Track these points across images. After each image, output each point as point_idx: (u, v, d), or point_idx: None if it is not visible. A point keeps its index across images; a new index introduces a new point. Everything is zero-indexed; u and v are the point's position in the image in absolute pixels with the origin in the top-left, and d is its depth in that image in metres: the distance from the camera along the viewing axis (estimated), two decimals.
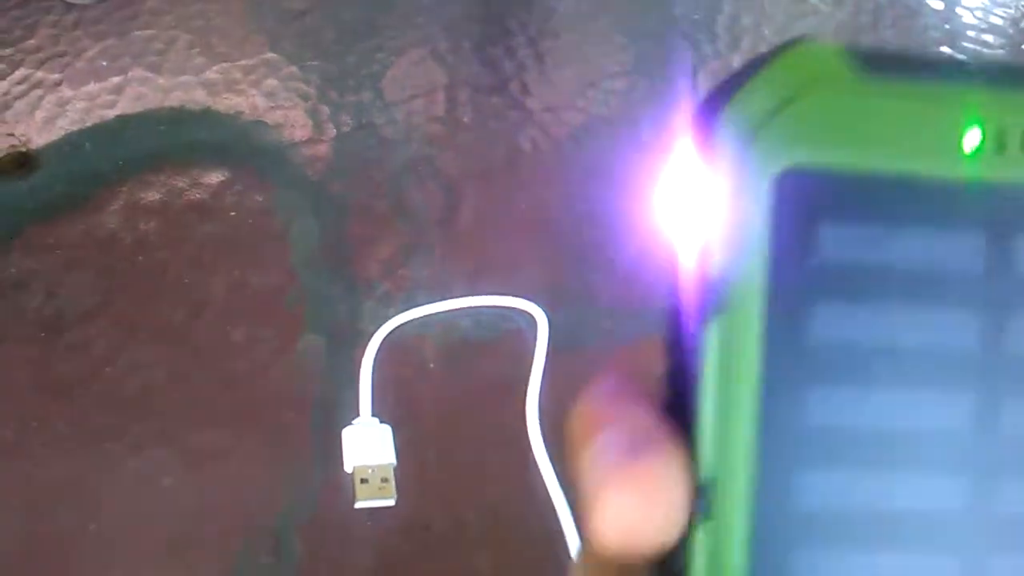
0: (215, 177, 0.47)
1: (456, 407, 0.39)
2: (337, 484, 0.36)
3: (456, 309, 0.41)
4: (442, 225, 0.46)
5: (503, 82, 0.52)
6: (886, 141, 0.13)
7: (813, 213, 0.13)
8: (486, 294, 0.42)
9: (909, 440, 0.13)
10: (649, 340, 0.15)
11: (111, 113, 0.50)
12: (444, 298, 0.42)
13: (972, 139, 0.13)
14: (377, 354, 0.39)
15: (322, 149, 0.49)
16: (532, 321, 0.41)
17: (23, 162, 0.48)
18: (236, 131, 0.49)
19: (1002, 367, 0.13)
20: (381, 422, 0.37)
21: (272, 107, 0.51)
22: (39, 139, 0.48)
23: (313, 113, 0.51)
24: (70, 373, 0.39)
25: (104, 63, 0.52)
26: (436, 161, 0.48)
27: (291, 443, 0.37)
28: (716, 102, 0.13)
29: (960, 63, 0.13)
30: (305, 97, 0.51)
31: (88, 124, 0.49)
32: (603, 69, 0.53)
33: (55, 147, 0.48)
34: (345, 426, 0.37)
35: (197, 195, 0.46)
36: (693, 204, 0.13)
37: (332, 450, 0.37)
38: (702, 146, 0.13)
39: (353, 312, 0.42)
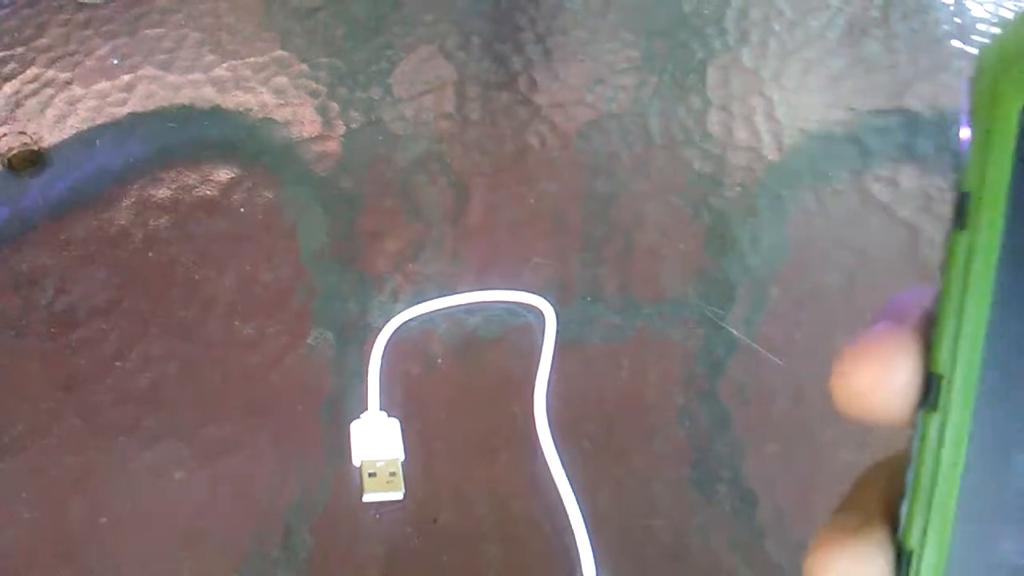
0: (225, 174, 0.48)
1: (464, 401, 0.39)
2: (346, 478, 0.36)
3: (465, 304, 0.41)
4: (451, 220, 0.46)
5: (512, 78, 0.53)
6: None
7: None
8: (495, 289, 0.42)
9: None
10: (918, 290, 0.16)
11: (122, 111, 0.50)
12: (453, 293, 0.42)
13: None
14: (385, 349, 0.40)
15: (331, 146, 0.49)
16: (540, 316, 0.41)
17: (34, 160, 0.48)
18: (245, 128, 0.50)
19: None
20: (389, 416, 0.37)
21: (281, 104, 0.51)
22: (50, 137, 0.49)
23: (322, 110, 0.51)
24: (82, 368, 0.40)
25: (115, 61, 0.53)
26: (445, 157, 0.49)
27: (301, 437, 0.38)
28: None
29: None
30: (314, 94, 0.52)
31: (99, 122, 0.50)
32: (612, 65, 0.53)
33: (66, 145, 0.49)
34: (353, 420, 0.37)
35: (207, 192, 0.47)
36: (968, 126, 0.14)
37: (341, 444, 0.37)
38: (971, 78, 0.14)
39: (362, 307, 0.42)
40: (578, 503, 0.35)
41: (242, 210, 0.46)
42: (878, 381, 0.15)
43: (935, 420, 0.14)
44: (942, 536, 0.14)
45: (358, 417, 0.37)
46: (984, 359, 0.14)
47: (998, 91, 0.14)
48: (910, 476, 0.15)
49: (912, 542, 0.14)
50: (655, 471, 0.37)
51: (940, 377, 0.14)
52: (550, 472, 0.36)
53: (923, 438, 0.14)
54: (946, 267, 0.14)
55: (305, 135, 0.50)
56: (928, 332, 0.15)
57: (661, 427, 0.38)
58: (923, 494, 0.14)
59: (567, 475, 0.35)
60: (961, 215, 0.14)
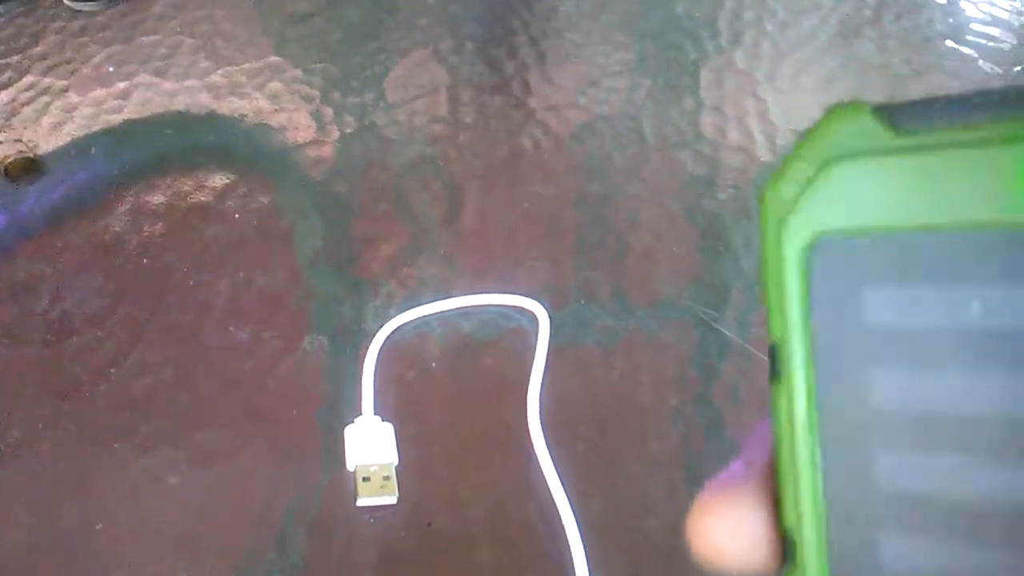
0: (220, 180, 0.48)
1: (458, 405, 0.39)
2: (340, 482, 0.36)
3: (459, 308, 0.42)
4: (445, 224, 0.46)
5: (505, 82, 0.53)
6: (929, 195, 0.12)
7: (851, 277, 0.13)
8: (488, 293, 0.42)
9: (983, 508, 0.12)
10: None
11: (117, 118, 0.51)
12: (447, 297, 0.42)
13: None
14: (380, 353, 0.40)
15: (326, 150, 0.49)
16: (534, 319, 0.41)
17: (31, 167, 0.48)
18: (240, 134, 0.50)
19: None
20: (383, 420, 0.38)
21: (276, 110, 0.51)
22: (46, 145, 0.49)
23: (317, 115, 0.51)
24: (77, 374, 0.40)
25: (110, 69, 0.53)
26: (439, 161, 0.49)
27: (296, 442, 0.38)
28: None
29: (1005, 92, 0.12)
30: (309, 99, 0.52)
31: (94, 129, 0.50)
32: (605, 67, 0.53)
33: (62, 152, 0.49)
34: (347, 424, 0.38)
35: (202, 198, 0.47)
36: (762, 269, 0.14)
37: (336, 448, 0.37)
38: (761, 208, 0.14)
39: (357, 311, 0.42)
40: (572, 505, 0.35)
41: (237, 216, 0.46)
42: (731, 538, 0.14)
43: None
44: None
45: (352, 421, 0.37)
46: (827, 516, 0.13)
47: (779, 237, 0.13)
48: None
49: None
50: (648, 473, 0.37)
51: (791, 535, 0.14)
52: (544, 475, 0.36)
53: None
54: (773, 421, 0.14)
55: (300, 140, 0.50)
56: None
57: (655, 429, 0.38)
58: None
59: (560, 478, 0.36)
60: (774, 366, 0.14)
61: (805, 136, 0.13)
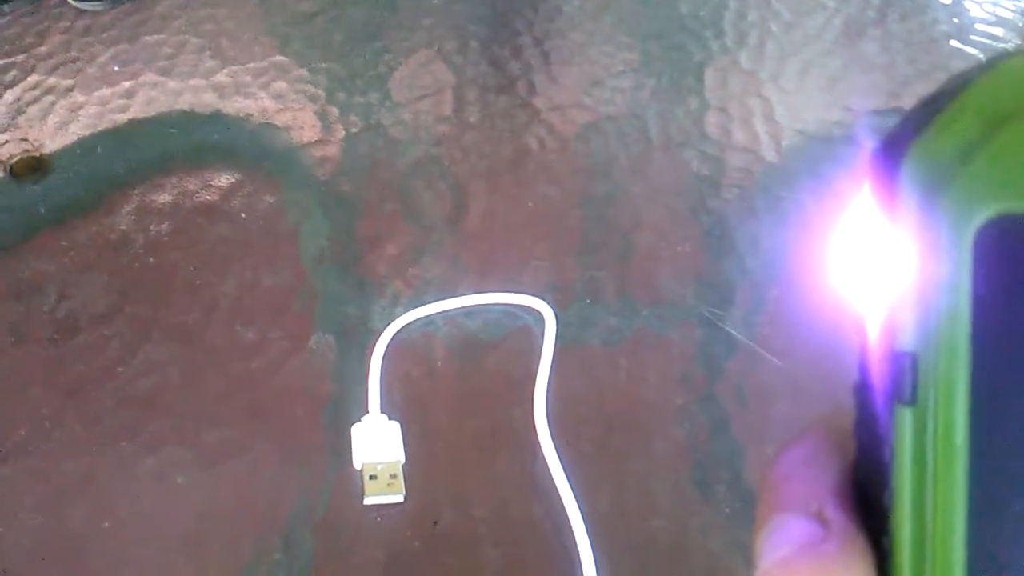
0: (225, 179, 0.48)
1: (464, 404, 0.39)
2: (347, 481, 0.36)
3: (464, 307, 0.42)
4: (450, 224, 0.46)
5: (510, 82, 0.53)
6: None
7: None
8: (494, 292, 0.42)
9: None
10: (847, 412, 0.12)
11: (123, 117, 0.51)
12: (452, 296, 0.42)
13: None
14: (386, 352, 0.40)
15: (331, 150, 0.49)
16: (540, 318, 0.41)
17: (36, 166, 0.48)
18: (246, 133, 0.50)
19: None
20: (390, 419, 0.38)
21: (281, 109, 0.51)
22: (52, 144, 0.49)
23: (322, 115, 0.51)
24: (84, 373, 0.40)
25: (115, 68, 0.53)
26: (444, 160, 0.49)
27: (303, 441, 0.38)
28: (902, 139, 0.10)
29: None
30: (314, 99, 0.52)
31: (100, 128, 0.50)
32: (609, 68, 0.53)
33: (67, 151, 0.49)
34: (354, 423, 0.38)
35: (208, 197, 0.47)
36: (877, 267, 0.10)
37: (342, 447, 0.37)
38: (884, 196, 0.10)
39: (363, 311, 0.42)
40: (578, 504, 0.35)
41: (243, 215, 0.46)
42: None
43: None
44: None
45: (359, 420, 0.38)
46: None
47: (932, 214, 0.10)
48: None
49: None
50: (654, 472, 0.37)
51: None
52: (550, 474, 0.36)
53: None
54: (895, 458, 0.11)
55: (305, 140, 0.50)
56: (861, 541, 0.11)
57: (660, 428, 0.38)
58: None
59: (567, 476, 0.36)
60: (900, 383, 0.10)
61: (966, 83, 0.10)
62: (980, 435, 0.10)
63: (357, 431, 0.37)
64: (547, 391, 0.38)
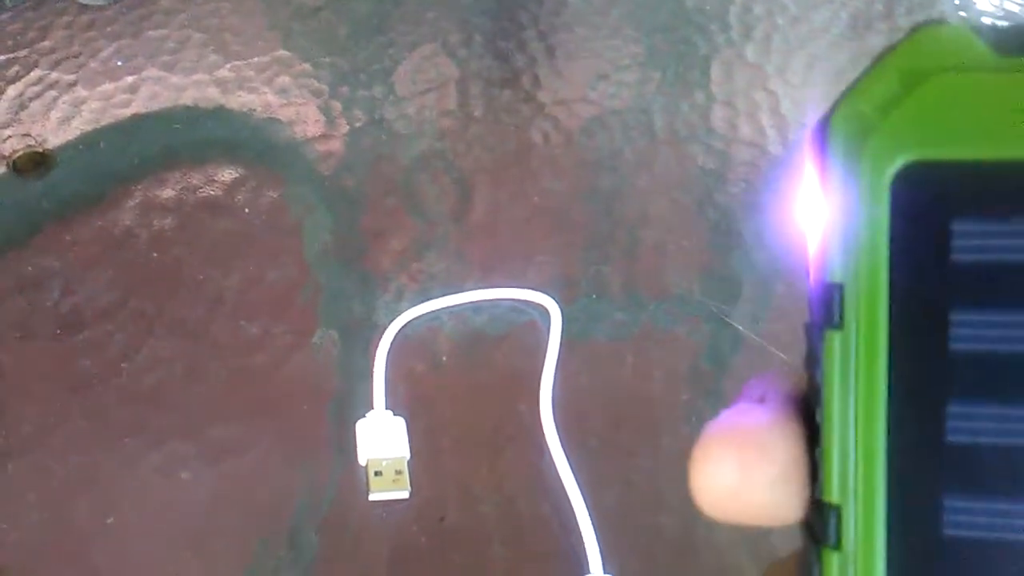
0: (229, 174, 0.47)
1: (470, 399, 0.39)
2: (352, 477, 0.36)
3: (470, 302, 0.41)
4: (455, 219, 0.46)
5: (515, 75, 0.52)
6: None
7: (942, 211, 0.11)
8: (499, 287, 0.42)
9: None
10: (781, 373, 0.14)
11: (126, 112, 0.50)
12: (457, 291, 0.42)
13: None
14: (391, 347, 0.39)
15: (334, 145, 0.49)
16: (545, 313, 0.41)
17: (39, 162, 0.48)
18: (249, 128, 0.50)
19: None
20: (395, 415, 0.37)
21: (284, 104, 0.51)
22: (55, 139, 0.49)
23: (325, 109, 0.51)
24: (88, 369, 0.40)
25: (118, 63, 0.53)
26: (448, 155, 0.48)
27: (307, 437, 0.38)
28: (836, 100, 0.12)
29: None
30: (317, 93, 0.52)
31: (103, 123, 0.50)
32: (615, 61, 0.53)
33: (71, 147, 0.49)
34: (359, 419, 0.37)
35: (211, 192, 0.47)
36: (814, 213, 0.12)
37: (347, 443, 0.37)
38: (817, 150, 0.12)
39: (367, 306, 0.42)
40: (585, 501, 0.35)
41: (246, 210, 0.46)
42: (741, 486, 0.12)
43: (835, 559, 0.12)
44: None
45: (364, 416, 0.37)
46: (887, 489, 0.12)
47: (856, 162, 0.11)
48: None
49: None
50: (662, 468, 0.37)
51: (830, 511, 0.12)
52: (557, 470, 0.36)
53: None
54: (824, 373, 0.12)
55: (309, 134, 0.49)
56: (794, 416, 0.12)
57: (667, 424, 0.38)
58: None
59: (574, 472, 0.35)
60: (829, 310, 0.12)
61: (891, 48, 0.11)
62: (900, 355, 0.11)
63: (362, 427, 0.37)
64: (553, 387, 0.38)
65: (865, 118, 0.11)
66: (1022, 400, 0.11)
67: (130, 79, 0.52)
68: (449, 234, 0.45)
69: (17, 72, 0.52)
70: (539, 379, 0.38)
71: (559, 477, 0.35)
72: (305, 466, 0.37)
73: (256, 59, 0.53)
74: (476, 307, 0.42)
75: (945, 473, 0.11)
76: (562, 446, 0.36)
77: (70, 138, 0.49)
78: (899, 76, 0.11)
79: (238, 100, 0.51)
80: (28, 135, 0.49)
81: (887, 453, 0.12)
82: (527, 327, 0.41)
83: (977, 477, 0.11)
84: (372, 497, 0.35)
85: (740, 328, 0.41)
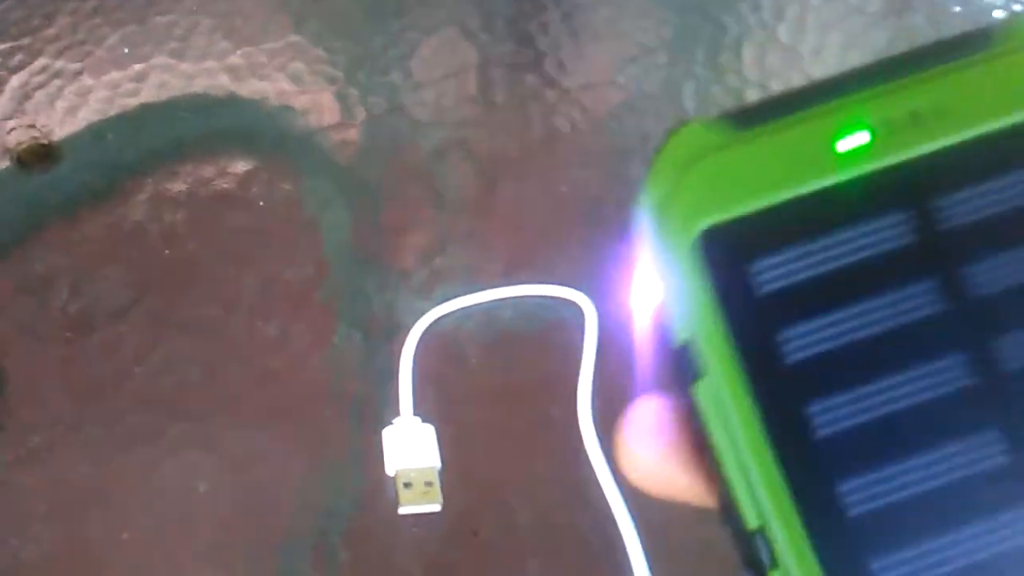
0: (242, 166, 0.45)
1: (502, 404, 0.36)
2: (380, 488, 0.34)
3: (498, 299, 0.39)
4: (478, 210, 0.43)
5: (538, 59, 0.50)
6: (777, 173, 0.14)
7: (742, 256, 0.14)
8: (528, 283, 0.39)
9: (921, 415, 0.13)
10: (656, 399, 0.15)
11: (134, 102, 0.48)
12: (483, 288, 0.39)
13: (858, 138, 0.14)
14: (416, 348, 0.37)
15: (351, 134, 0.46)
16: (578, 310, 0.38)
17: (45, 154, 0.46)
18: (262, 117, 0.47)
19: (972, 315, 0.13)
20: (423, 421, 0.35)
21: (299, 91, 0.48)
22: (60, 130, 0.46)
23: (341, 96, 0.48)
24: (100, 373, 0.37)
25: (125, 50, 0.50)
26: (470, 143, 0.46)
27: (330, 443, 0.35)
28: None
29: (835, 78, 0.15)
30: (332, 80, 0.49)
31: (111, 114, 0.47)
32: (643, 43, 0.50)
33: (77, 138, 0.46)
34: (385, 426, 0.35)
35: (224, 185, 0.44)
36: (647, 289, 0.14)
37: (372, 450, 0.35)
38: (638, 233, 0.15)
39: (389, 304, 0.40)
40: (628, 512, 0.32)
41: (261, 203, 0.43)
42: (666, 457, 0.14)
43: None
44: None
45: (390, 423, 0.35)
46: (795, 503, 0.13)
47: (667, 240, 0.14)
48: None
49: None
50: None
51: (757, 532, 0.13)
52: (597, 479, 0.33)
53: None
54: (704, 424, 0.14)
55: (324, 123, 0.47)
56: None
57: None
58: None
59: (616, 482, 0.33)
60: (689, 367, 0.14)
61: (659, 150, 0.15)
62: (756, 379, 0.13)
63: (389, 435, 0.34)
64: (593, 390, 0.36)
65: (659, 206, 0.14)
66: (865, 379, 0.13)
67: (137, 67, 0.49)
68: (473, 227, 0.42)
69: (21, 61, 0.49)
70: (574, 380, 0.36)
71: (600, 487, 0.33)
72: (328, 477, 0.34)
73: (268, 45, 0.50)
74: (505, 304, 0.39)
75: (830, 462, 0.13)
76: (602, 453, 0.33)
77: (76, 129, 0.46)
78: (673, 168, 0.14)
79: (250, 88, 0.48)
80: (33, 126, 0.47)
81: (779, 465, 0.13)
82: (559, 325, 0.38)
83: (856, 455, 0.13)
84: (402, 511, 0.33)
85: None
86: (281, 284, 0.40)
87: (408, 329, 0.38)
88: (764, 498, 0.13)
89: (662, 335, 0.14)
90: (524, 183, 0.44)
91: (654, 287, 0.14)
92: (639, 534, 0.32)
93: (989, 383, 0.13)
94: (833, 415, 0.13)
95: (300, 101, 0.48)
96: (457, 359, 0.38)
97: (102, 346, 0.38)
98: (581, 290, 0.39)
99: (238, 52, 0.50)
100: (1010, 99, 0.14)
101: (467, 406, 0.36)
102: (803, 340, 0.13)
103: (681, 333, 0.14)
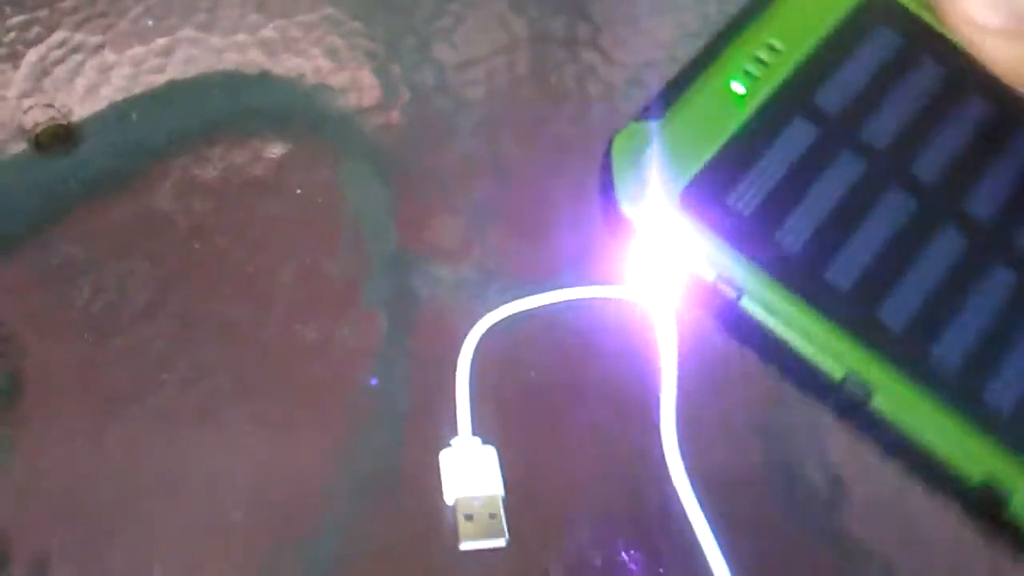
0: (277, 149, 0.41)
1: (569, 424, 0.32)
2: (437, 519, 0.30)
3: (563, 301, 0.35)
4: (535, 200, 0.39)
5: (594, 33, 0.45)
6: (710, 127, 0.20)
7: (719, 191, 0.19)
8: (594, 283, 0.35)
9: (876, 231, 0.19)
10: None
11: (159, 79, 0.44)
12: (543, 288, 0.35)
13: (743, 80, 0.20)
14: (473, 359, 0.33)
15: (394, 116, 0.42)
16: (652, 317, 0.34)
17: (64, 136, 0.42)
18: (298, 97, 0.43)
19: (885, 159, 0.19)
20: (484, 443, 0.31)
21: (336, 68, 0.44)
22: (81, 110, 0.42)
23: (382, 74, 0.44)
24: (124, 383, 0.34)
25: (150, 23, 0.46)
26: (523, 126, 0.41)
27: (380, 467, 0.31)
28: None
29: (716, 36, 0.21)
30: (372, 56, 0.45)
31: (134, 92, 0.43)
32: (707, 16, 0.45)
33: (98, 118, 0.42)
34: (442, 447, 0.31)
35: (258, 171, 0.40)
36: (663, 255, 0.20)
37: (430, 476, 0.31)
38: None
39: (440, 306, 0.36)
40: (721, 551, 0.28)
41: (298, 191, 0.39)
42: None
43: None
44: None
45: (447, 444, 0.31)
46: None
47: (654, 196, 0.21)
48: None
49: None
50: (805, 505, 0.30)
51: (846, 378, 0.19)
52: (685, 513, 0.29)
53: None
54: (765, 325, 0.20)
55: (364, 104, 0.43)
56: None
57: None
58: None
59: (706, 517, 0.29)
60: (734, 287, 0.21)
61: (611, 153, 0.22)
62: (783, 274, 0.19)
63: (446, 458, 0.30)
64: (676, 408, 0.31)
65: (635, 191, 0.21)
66: (846, 234, 0.19)
67: (163, 41, 0.45)
68: (529, 219, 0.38)
69: (38, 34, 0.45)
70: (652, 397, 0.32)
71: (687, 518, 0.29)
72: (379, 506, 0.30)
73: (302, 17, 0.46)
74: (568, 307, 0.35)
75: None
76: (691, 484, 0.29)
77: (98, 108, 0.42)
78: (632, 159, 0.20)
79: (284, 64, 0.44)
80: (51, 106, 0.43)
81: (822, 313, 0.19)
82: (633, 331, 0.34)
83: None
84: (463, 546, 0.29)
85: None
86: (321, 281, 0.36)
87: (462, 334, 0.34)
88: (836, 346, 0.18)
89: (696, 281, 0.19)
90: (587, 170, 0.40)
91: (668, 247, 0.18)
92: (731, 571, 0.28)
93: (909, 195, 0.19)
94: (845, 267, 0.18)
95: (338, 79, 0.44)
96: (516, 371, 0.33)
97: (125, 351, 0.35)
98: (651, 292, 0.35)
99: (270, 25, 0.46)
100: (830, 4, 0.20)
101: (530, 425, 0.32)
102: (794, 231, 0.18)
103: (711, 269, 0.19)
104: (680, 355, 0.33)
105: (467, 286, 0.36)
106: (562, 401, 0.32)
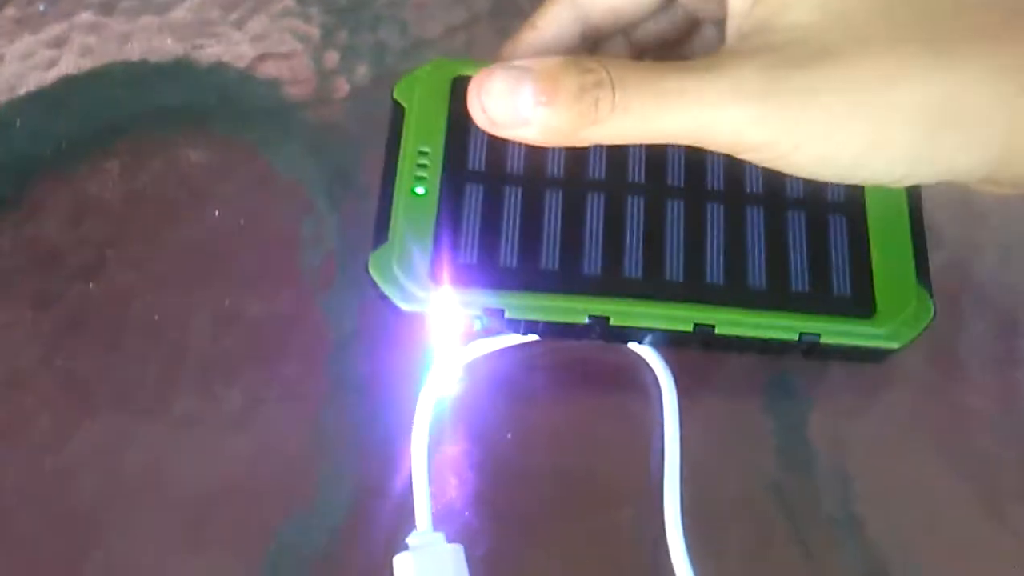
0: (191, 158, 0.34)
1: (552, 503, 0.26)
2: None
3: (535, 342, 0.28)
4: None
5: None
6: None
7: (451, 259, 0.25)
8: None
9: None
10: None
11: (50, 75, 0.36)
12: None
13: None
14: (431, 423, 0.26)
15: (334, 111, 0.35)
16: (644, 364, 0.28)
17: None
18: (217, 91, 0.36)
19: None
20: (448, 540, 0.24)
21: (264, 56, 0.37)
22: None
23: (318, 60, 0.37)
24: None
25: (40, 8, 0.38)
26: None
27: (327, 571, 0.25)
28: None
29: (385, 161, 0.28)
30: (305, 39, 0.37)
31: (20, 93, 0.35)
32: None
33: None
34: (398, 549, 0.24)
35: (168, 186, 0.33)
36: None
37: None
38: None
39: (392, 347, 0.29)
40: None
41: (217, 212, 0.32)
42: None
43: None
44: None
45: (403, 543, 0.24)
46: None
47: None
48: None
49: None
50: None
51: None
52: None
53: None
54: None
55: (297, 96, 0.35)
56: None
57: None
58: None
59: None
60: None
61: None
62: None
63: (402, 563, 0.24)
64: (679, 480, 0.25)
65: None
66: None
67: (56, 29, 0.37)
68: None
69: None
70: (649, 461, 0.26)
71: None
72: None
73: None
74: (546, 352, 0.28)
75: None
76: (692, 568, 0.23)
77: None
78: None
79: (201, 53, 0.37)
80: None
81: None
82: (623, 377, 0.28)
83: None
84: None
85: None
86: (245, 326, 0.30)
87: (417, 390, 0.27)
88: None
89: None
90: None
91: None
92: None
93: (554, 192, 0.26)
94: (550, 253, 0.25)
95: (266, 69, 0.36)
96: (487, 432, 0.27)
97: None
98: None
99: (184, 5, 0.38)
100: (439, 101, 0.29)
101: (505, 511, 0.26)
102: (508, 253, 0.25)
103: (476, 306, 0.25)
104: (681, 403, 0.26)
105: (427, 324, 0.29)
106: (540, 474, 0.26)
